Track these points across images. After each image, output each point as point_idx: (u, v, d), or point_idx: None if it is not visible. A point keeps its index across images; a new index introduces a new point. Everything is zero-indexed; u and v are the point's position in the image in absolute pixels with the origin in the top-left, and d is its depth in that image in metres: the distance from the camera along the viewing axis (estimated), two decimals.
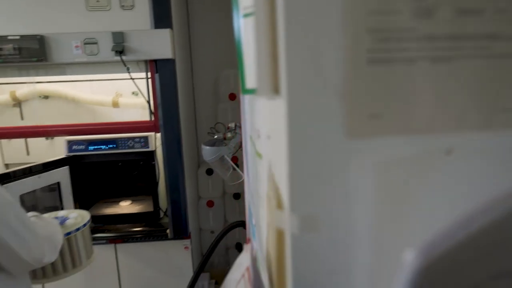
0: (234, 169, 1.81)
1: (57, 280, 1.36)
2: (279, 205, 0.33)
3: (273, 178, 0.42)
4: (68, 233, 1.34)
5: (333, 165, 0.29)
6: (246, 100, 0.88)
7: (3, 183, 1.56)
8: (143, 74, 1.79)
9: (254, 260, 0.50)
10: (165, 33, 1.65)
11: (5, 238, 0.98)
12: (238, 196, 2.43)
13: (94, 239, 1.94)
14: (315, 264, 0.31)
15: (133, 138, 1.87)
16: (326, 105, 0.29)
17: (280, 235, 0.33)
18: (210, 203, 2.37)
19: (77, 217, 1.46)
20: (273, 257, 0.43)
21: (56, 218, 1.43)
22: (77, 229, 1.38)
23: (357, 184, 0.30)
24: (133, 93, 2.32)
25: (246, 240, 0.54)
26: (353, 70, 0.28)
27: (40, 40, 1.59)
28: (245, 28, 0.43)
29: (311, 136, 0.29)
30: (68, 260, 1.37)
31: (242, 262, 0.53)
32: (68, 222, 1.41)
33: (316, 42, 0.28)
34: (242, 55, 0.45)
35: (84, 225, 1.41)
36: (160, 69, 1.71)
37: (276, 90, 0.32)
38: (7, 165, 2.46)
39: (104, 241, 1.96)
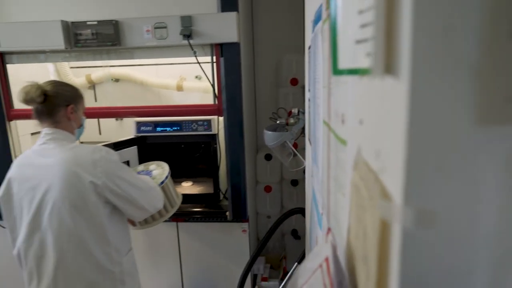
0: (295, 155, 1.79)
1: (159, 223, 1.67)
2: (385, 195, 0.30)
3: (366, 166, 0.39)
4: (162, 182, 1.59)
5: (459, 155, 0.26)
6: (319, 84, 0.85)
7: None
8: (208, 58, 1.81)
9: (335, 250, 0.48)
10: (232, 16, 1.65)
11: (132, 194, 1.30)
12: (296, 182, 2.41)
13: None
14: (428, 262, 0.28)
15: (196, 121, 1.92)
16: (455, 86, 0.25)
17: (384, 227, 0.30)
18: (267, 188, 2.38)
19: (157, 167, 1.72)
20: (365, 249, 0.40)
21: (139, 173, 1.58)
22: (166, 177, 1.64)
23: (486, 177, 0.26)
24: (196, 77, 2.37)
25: (327, 231, 0.52)
26: (490, 45, 0.24)
27: (115, 25, 1.67)
28: (344, 6, 0.40)
29: (435, 121, 0.26)
30: (167, 203, 1.64)
31: (321, 251, 0.51)
32: (154, 173, 1.67)
33: (448, 15, 0.24)
34: (336, 34, 0.42)
35: (169, 172, 1.67)
36: (225, 53, 1.71)
37: (388, 70, 0.28)
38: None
39: (167, 219, 2.05)
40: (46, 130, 1.29)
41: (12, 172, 1.28)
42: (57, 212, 1.21)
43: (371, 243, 0.36)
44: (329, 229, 0.52)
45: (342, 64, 0.41)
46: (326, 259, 0.49)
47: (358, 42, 0.37)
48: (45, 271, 1.24)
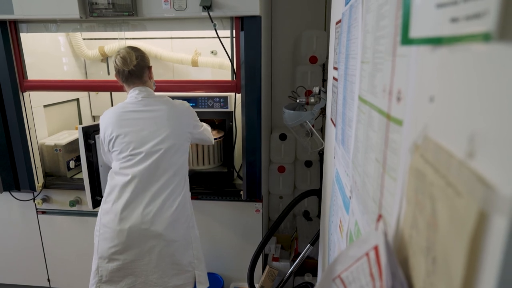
0: (312, 135, 1.74)
1: None
2: (482, 183, 0.26)
3: (440, 149, 0.34)
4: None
5: None
6: (356, 60, 0.79)
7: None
8: (226, 33, 1.74)
9: (387, 240, 0.44)
10: None
11: (198, 132, 1.64)
12: (310, 163, 2.37)
13: None
14: None
15: (213, 98, 1.87)
16: None
17: (481, 217, 0.26)
18: (281, 169, 2.35)
19: None
20: (429, 241, 0.36)
21: None
22: None
23: None
24: (212, 52, 2.31)
25: (378, 217, 0.48)
26: None
27: None
28: None
29: None
30: None
31: (369, 239, 0.47)
32: None
33: None
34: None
35: None
36: (246, 27, 1.65)
37: (503, 35, 0.23)
38: (94, 117, 2.64)
39: None
40: (138, 88, 1.51)
41: (115, 118, 1.49)
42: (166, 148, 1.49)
43: (447, 235, 0.32)
44: (380, 216, 0.48)
45: (416, 32, 0.36)
46: (376, 248, 0.45)
47: (440, 6, 0.31)
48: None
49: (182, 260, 1.56)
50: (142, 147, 1.46)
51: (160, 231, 1.47)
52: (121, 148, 1.48)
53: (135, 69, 1.47)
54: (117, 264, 1.48)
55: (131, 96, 1.53)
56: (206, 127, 1.75)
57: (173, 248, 1.52)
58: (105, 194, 1.53)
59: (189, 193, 1.64)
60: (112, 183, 1.51)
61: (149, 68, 1.55)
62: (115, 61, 1.46)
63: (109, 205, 1.49)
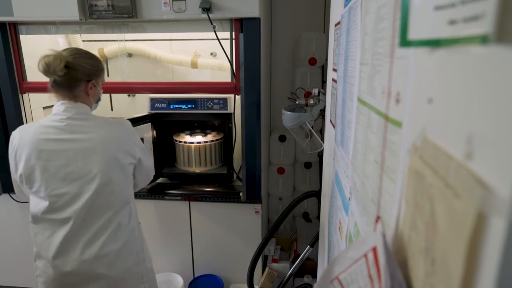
0: (311, 137, 1.74)
1: None
2: (481, 185, 0.26)
3: (439, 150, 0.34)
4: None
5: None
6: (355, 61, 0.80)
7: None
8: (225, 35, 1.75)
9: (385, 241, 0.44)
10: None
11: (145, 160, 1.37)
12: (309, 165, 2.37)
13: (169, 195, 2.03)
14: None
15: (212, 99, 1.87)
16: None
17: (479, 218, 0.26)
18: (280, 170, 2.35)
19: None
20: (429, 242, 0.36)
21: None
22: None
23: None
24: (211, 54, 2.31)
25: (376, 218, 0.48)
26: None
27: None
28: None
29: None
30: None
31: (367, 240, 0.47)
32: None
33: None
34: (408, 1, 0.36)
35: None
36: (245, 29, 1.65)
37: (501, 37, 0.23)
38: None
39: (179, 198, 2.04)
40: (66, 103, 1.21)
41: (30, 147, 1.19)
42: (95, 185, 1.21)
43: (446, 236, 0.32)
44: (378, 217, 0.49)
45: (414, 34, 0.36)
46: (374, 249, 0.46)
47: (438, 8, 0.32)
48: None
49: None
50: (66, 187, 1.19)
51: (104, 272, 1.24)
52: (38, 187, 1.20)
53: (62, 80, 1.19)
54: None
55: (55, 112, 1.22)
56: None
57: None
58: (31, 234, 1.27)
59: (138, 225, 1.39)
60: (36, 228, 1.24)
61: (90, 82, 1.24)
62: (38, 65, 1.17)
63: (39, 249, 1.25)
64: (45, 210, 1.20)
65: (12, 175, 1.29)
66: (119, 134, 1.25)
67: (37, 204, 1.22)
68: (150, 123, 1.95)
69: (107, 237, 1.23)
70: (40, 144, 1.19)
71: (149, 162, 1.41)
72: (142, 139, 1.90)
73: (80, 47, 2.19)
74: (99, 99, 1.35)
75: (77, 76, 1.21)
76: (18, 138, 1.22)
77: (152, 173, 1.49)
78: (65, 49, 1.23)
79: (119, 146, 1.24)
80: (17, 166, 1.22)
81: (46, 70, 1.15)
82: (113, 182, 1.22)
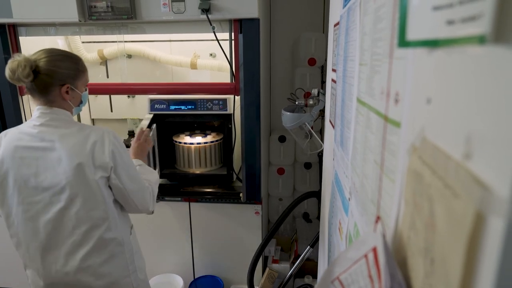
0: (311, 137, 1.74)
1: None
2: (479, 184, 0.26)
3: (438, 151, 0.34)
4: None
5: None
6: (354, 62, 0.80)
7: None
8: (224, 35, 1.75)
9: (385, 241, 0.44)
10: None
11: (131, 196, 1.22)
12: (309, 165, 2.37)
13: (169, 196, 2.03)
14: None
15: (212, 100, 1.87)
16: None
17: (478, 218, 0.26)
18: (280, 171, 2.35)
19: None
20: (428, 242, 0.36)
21: None
22: None
23: None
24: (210, 54, 2.31)
25: (376, 219, 0.48)
26: None
27: None
28: None
29: None
30: None
31: (367, 241, 0.47)
32: None
33: None
34: (406, 1, 0.36)
35: None
36: (244, 29, 1.65)
37: (498, 38, 0.23)
38: (93, 120, 2.64)
39: (179, 199, 2.04)
40: (41, 109, 1.15)
41: (4, 152, 1.15)
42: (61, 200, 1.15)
43: (445, 236, 0.32)
44: (378, 217, 0.49)
45: (413, 35, 0.36)
46: (374, 249, 0.46)
47: (436, 8, 0.32)
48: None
49: None
50: (38, 196, 1.14)
51: (90, 282, 1.20)
52: (11, 193, 1.16)
53: (31, 86, 1.13)
54: None
55: (31, 118, 1.17)
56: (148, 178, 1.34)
57: None
58: (13, 244, 1.24)
59: (129, 237, 1.30)
60: (16, 239, 1.22)
61: (63, 86, 1.15)
62: (5, 70, 1.09)
63: (24, 259, 1.23)
64: (19, 220, 1.17)
65: None
66: (92, 145, 1.14)
67: (9, 216, 1.19)
68: (155, 125, 1.95)
69: (88, 250, 1.17)
70: (14, 150, 1.14)
71: (131, 186, 1.22)
72: None
73: (79, 49, 2.18)
74: (81, 102, 1.26)
75: (47, 81, 1.12)
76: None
77: (145, 203, 1.28)
78: (36, 52, 1.15)
79: (90, 158, 1.13)
80: None
81: (11, 77, 1.08)
82: (82, 196, 1.14)
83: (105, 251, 1.21)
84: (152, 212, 1.34)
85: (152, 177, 1.37)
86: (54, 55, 1.14)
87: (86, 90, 1.26)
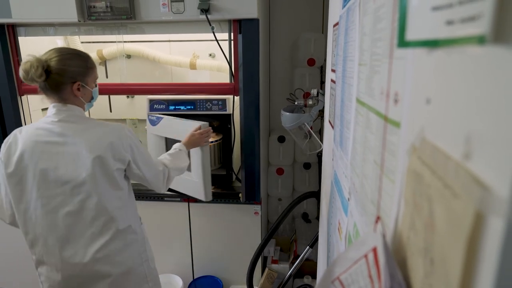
0: (310, 137, 1.74)
1: None
2: (479, 185, 0.26)
3: (438, 151, 0.34)
4: None
5: None
6: (353, 62, 0.80)
7: None
8: (224, 36, 1.75)
9: (385, 241, 0.44)
10: None
11: (149, 181, 1.34)
12: (309, 165, 2.37)
13: (168, 196, 2.03)
14: None
15: (211, 100, 1.87)
16: None
17: (478, 218, 0.26)
18: (280, 171, 2.35)
19: None
20: (427, 242, 0.36)
21: None
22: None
23: None
24: (210, 55, 2.31)
25: (376, 219, 0.48)
26: None
27: None
28: None
29: None
30: None
31: (367, 241, 0.47)
32: None
33: None
34: (406, 2, 0.36)
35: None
36: (243, 30, 1.65)
37: (498, 38, 0.23)
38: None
39: (178, 199, 2.04)
40: (57, 106, 1.21)
41: (23, 147, 1.19)
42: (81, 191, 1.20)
43: (444, 236, 0.32)
44: (378, 218, 0.49)
45: (412, 35, 0.36)
46: (374, 250, 0.46)
47: (436, 9, 0.32)
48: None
49: None
50: (57, 189, 1.18)
51: (107, 271, 1.25)
52: (30, 188, 1.20)
53: (44, 85, 1.19)
54: None
55: (47, 115, 1.23)
56: (165, 163, 1.42)
57: (123, 287, 1.30)
58: (27, 243, 1.27)
59: (141, 226, 1.39)
60: (32, 236, 1.24)
61: (75, 83, 1.20)
62: (19, 71, 1.16)
63: (39, 256, 1.25)
64: (38, 213, 1.20)
65: None
66: (111, 139, 1.20)
67: (26, 211, 1.22)
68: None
69: (107, 240, 1.23)
70: (33, 145, 1.18)
71: (148, 173, 1.33)
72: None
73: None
74: (92, 98, 1.31)
75: (59, 80, 1.18)
76: (13, 137, 1.22)
77: (159, 185, 1.39)
78: (47, 52, 1.20)
79: (109, 150, 1.19)
80: (8, 165, 1.20)
81: (25, 78, 1.14)
82: (101, 188, 1.20)
83: (121, 240, 1.26)
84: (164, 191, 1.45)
85: (179, 163, 1.48)
86: (64, 54, 1.19)
87: (96, 86, 1.31)
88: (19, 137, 1.21)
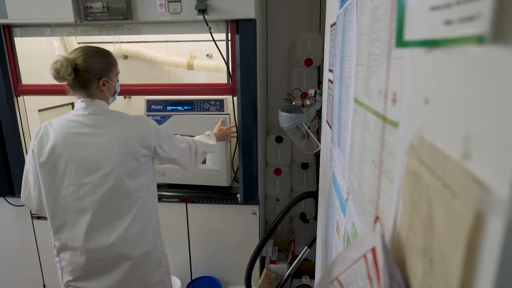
0: (308, 137, 1.74)
1: None
2: (478, 184, 0.26)
3: (436, 150, 0.34)
4: None
5: None
6: (351, 62, 0.80)
7: None
8: (221, 36, 1.75)
9: (384, 241, 0.44)
10: None
11: (179, 161, 1.47)
12: (306, 166, 2.37)
13: (166, 197, 2.02)
14: None
15: (208, 101, 1.87)
16: None
17: (477, 218, 0.26)
18: (277, 171, 2.35)
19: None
20: (426, 242, 0.36)
21: None
22: None
23: None
24: (207, 55, 2.31)
25: (375, 219, 0.48)
26: None
27: None
28: None
29: None
30: None
31: (365, 241, 0.47)
32: None
33: None
34: (404, 1, 0.36)
35: None
36: (241, 30, 1.65)
37: (497, 37, 0.23)
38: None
39: (176, 200, 2.03)
40: (85, 101, 1.29)
41: (55, 139, 1.27)
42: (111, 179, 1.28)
43: (444, 236, 0.32)
44: (376, 218, 0.49)
45: (411, 35, 0.36)
46: (373, 250, 0.45)
47: (434, 8, 0.32)
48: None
49: (152, 280, 1.44)
50: (87, 178, 1.26)
51: (128, 253, 1.34)
52: (61, 177, 1.28)
53: (73, 83, 1.27)
54: None
55: (77, 109, 1.31)
56: (188, 145, 1.52)
57: (141, 269, 1.39)
58: (53, 229, 1.35)
59: (156, 211, 1.47)
60: (58, 222, 1.32)
61: (101, 79, 1.29)
62: (50, 70, 1.25)
63: (64, 242, 1.33)
64: (69, 199, 1.28)
65: (25, 170, 1.35)
66: (138, 129, 1.30)
67: (56, 197, 1.29)
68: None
69: (129, 222, 1.31)
70: (66, 137, 1.26)
71: (174, 153, 1.44)
72: None
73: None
74: (115, 92, 1.39)
75: (87, 77, 1.26)
76: (43, 129, 1.30)
77: (186, 162, 1.51)
78: (74, 50, 1.28)
79: (137, 140, 1.29)
80: (41, 154, 1.28)
81: (56, 77, 1.22)
82: (130, 174, 1.29)
83: (142, 222, 1.36)
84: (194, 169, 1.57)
85: (208, 141, 1.64)
86: (89, 52, 1.28)
87: (118, 80, 1.40)
88: (49, 129, 1.29)
